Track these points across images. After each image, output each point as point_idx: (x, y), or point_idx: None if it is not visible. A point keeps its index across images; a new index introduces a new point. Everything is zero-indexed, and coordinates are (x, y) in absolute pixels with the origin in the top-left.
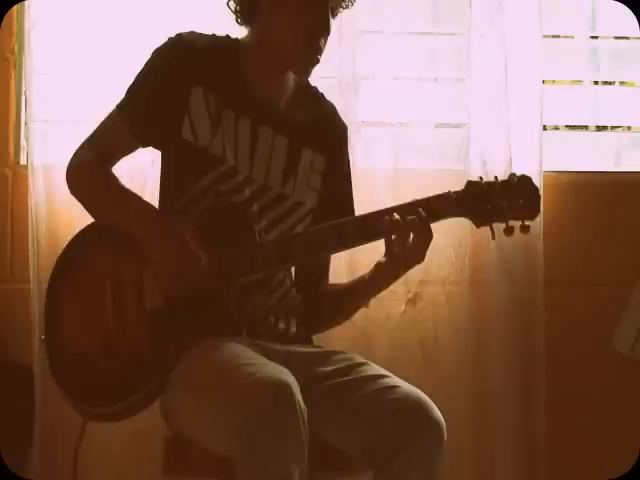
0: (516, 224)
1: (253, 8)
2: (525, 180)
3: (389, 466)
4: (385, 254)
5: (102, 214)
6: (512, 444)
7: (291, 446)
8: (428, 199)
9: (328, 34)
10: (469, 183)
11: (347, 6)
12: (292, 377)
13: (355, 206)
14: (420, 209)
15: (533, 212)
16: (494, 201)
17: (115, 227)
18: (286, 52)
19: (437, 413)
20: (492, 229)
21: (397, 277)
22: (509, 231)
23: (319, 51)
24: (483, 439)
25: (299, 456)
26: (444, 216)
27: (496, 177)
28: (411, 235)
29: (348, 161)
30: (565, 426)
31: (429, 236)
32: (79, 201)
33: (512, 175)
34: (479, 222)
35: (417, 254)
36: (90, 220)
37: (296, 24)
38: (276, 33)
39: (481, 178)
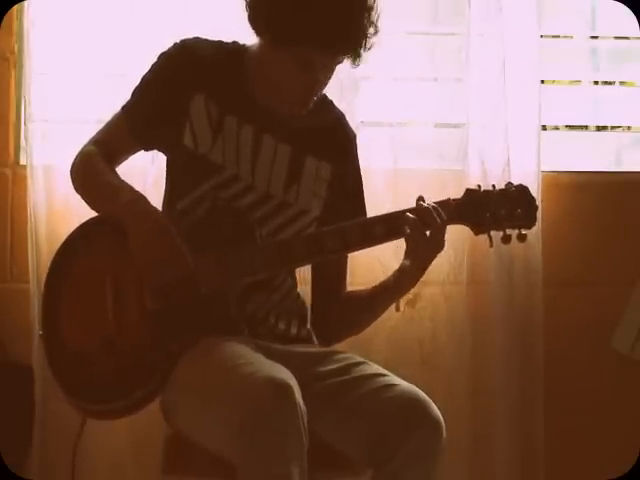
0: (513, 232)
1: (255, 31)
2: (523, 189)
3: (388, 464)
4: (406, 248)
5: (95, 200)
6: (511, 444)
7: (291, 446)
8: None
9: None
10: (468, 191)
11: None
12: (292, 377)
13: None
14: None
15: (531, 222)
16: (493, 210)
17: (107, 214)
18: (281, 89)
19: (435, 411)
20: (490, 237)
21: (423, 268)
22: (507, 239)
23: (313, 101)
24: (482, 439)
25: (299, 455)
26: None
27: (494, 185)
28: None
29: (358, 171)
30: (565, 426)
31: (441, 222)
32: (76, 190)
33: (509, 184)
34: (477, 230)
35: (436, 241)
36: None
37: (293, 76)
38: (274, 69)
39: (479, 186)
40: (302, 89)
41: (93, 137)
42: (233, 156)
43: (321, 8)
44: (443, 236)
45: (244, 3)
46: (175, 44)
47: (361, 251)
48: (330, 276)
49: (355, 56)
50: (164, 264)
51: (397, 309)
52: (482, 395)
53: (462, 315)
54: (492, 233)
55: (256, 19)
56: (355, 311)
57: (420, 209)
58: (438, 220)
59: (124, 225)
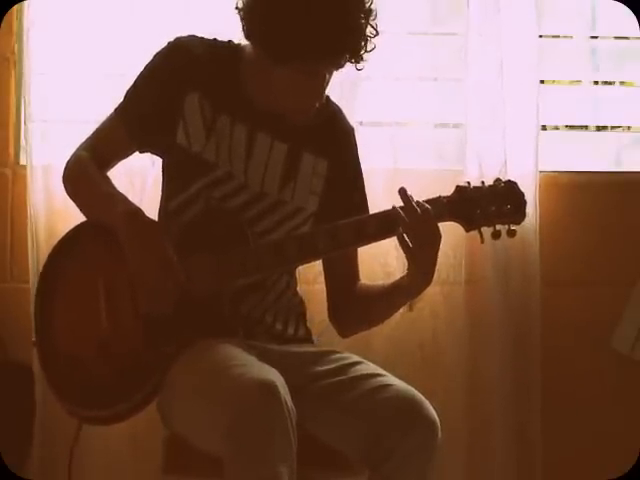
0: (503, 228)
1: (253, 46)
2: (512, 185)
3: (384, 465)
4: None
5: (89, 209)
6: (509, 444)
7: (279, 446)
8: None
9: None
10: (458, 188)
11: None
12: (280, 377)
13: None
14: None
15: (520, 217)
16: (483, 206)
17: (102, 223)
18: (286, 99)
19: (431, 411)
20: (481, 233)
21: (422, 267)
22: (497, 235)
23: (312, 111)
24: (480, 438)
25: (287, 456)
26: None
27: (483, 182)
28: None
29: (357, 165)
30: (564, 426)
31: (423, 214)
32: (69, 195)
33: (498, 180)
34: (468, 227)
35: (424, 236)
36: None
37: (299, 85)
38: (277, 81)
39: (469, 183)
40: (308, 95)
41: (85, 141)
42: (226, 155)
43: (316, 19)
44: (431, 231)
45: (239, 19)
46: (169, 42)
47: (362, 251)
48: (340, 271)
49: (357, 58)
50: (156, 283)
51: (410, 309)
52: (481, 394)
53: (461, 314)
54: (483, 229)
55: (252, 38)
56: (366, 307)
57: (404, 203)
58: (418, 210)
59: (118, 235)
